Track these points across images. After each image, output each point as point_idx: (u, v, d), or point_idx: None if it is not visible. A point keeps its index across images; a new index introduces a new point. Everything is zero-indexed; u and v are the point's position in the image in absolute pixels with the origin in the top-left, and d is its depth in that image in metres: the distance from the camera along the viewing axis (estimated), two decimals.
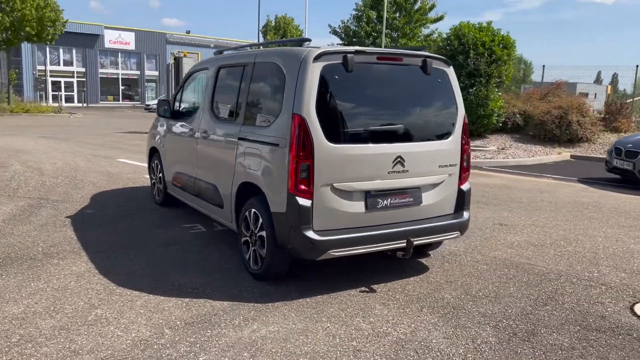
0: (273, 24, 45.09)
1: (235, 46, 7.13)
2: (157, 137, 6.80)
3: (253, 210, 4.34)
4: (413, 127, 4.40)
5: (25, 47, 40.16)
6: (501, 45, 15.43)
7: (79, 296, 3.97)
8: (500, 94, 15.96)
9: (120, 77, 50.96)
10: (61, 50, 46.32)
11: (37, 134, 16.42)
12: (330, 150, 3.92)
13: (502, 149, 14.67)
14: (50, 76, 44.72)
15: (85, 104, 45.76)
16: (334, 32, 27.96)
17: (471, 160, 5.12)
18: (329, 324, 3.64)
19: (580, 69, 25.43)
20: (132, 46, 50.52)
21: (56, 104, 34.77)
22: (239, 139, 4.58)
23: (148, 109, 36.42)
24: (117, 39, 49.43)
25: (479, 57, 15.14)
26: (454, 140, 4.56)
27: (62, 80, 46.49)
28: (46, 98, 41.04)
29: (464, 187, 4.68)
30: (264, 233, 4.22)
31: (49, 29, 30.45)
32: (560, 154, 14.46)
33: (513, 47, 15.71)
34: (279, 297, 4.07)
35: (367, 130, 4.17)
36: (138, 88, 52.30)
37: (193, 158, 5.58)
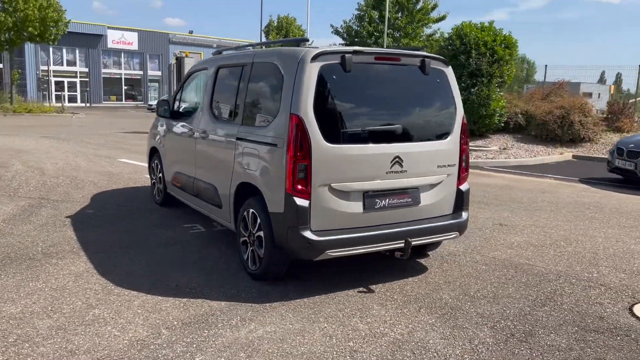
0: (275, 24, 45.12)
1: (235, 46, 7.14)
2: (157, 137, 6.81)
3: (251, 210, 4.34)
4: (411, 127, 4.38)
5: (29, 47, 40.27)
6: (503, 45, 15.38)
7: (77, 296, 3.98)
8: (502, 93, 15.93)
9: (123, 77, 51.11)
10: (64, 51, 46.49)
11: (39, 134, 16.47)
12: (327, 150, 3.91)
13: (504, 149, 14.64)
14: (53, 76, 44.86)
15: (88, 104, 45.91)
16: (336, 32, 27.94)
17: (472, 160, 5.11)
18: (326, 325, 3.64)
19: (584, 69, 25.51)
20: (135, 46, 50.66)
21: (59, 104, 34.83)
22: (238, 139, 4.58)
23: (151, 109, 36.44)
24: (120, 39, 49.58)
25: (481, 56, 15.09)
26: (453, 140, 4.55)
27: (65, 80, 46.67)
28: (49, 98, 41.12)
29: (463, 187, 4.67)
30: (262, 233, 4.22)
31: (51, 29, 30.56)
32: (562, 154, 14.42)
33: (515, 47, 15.66)
34: (276, 297, 4.07)
35: (365, 130, 4.16)
36: (141, 88, 52.42)
37: (192, 158, 5.59)
